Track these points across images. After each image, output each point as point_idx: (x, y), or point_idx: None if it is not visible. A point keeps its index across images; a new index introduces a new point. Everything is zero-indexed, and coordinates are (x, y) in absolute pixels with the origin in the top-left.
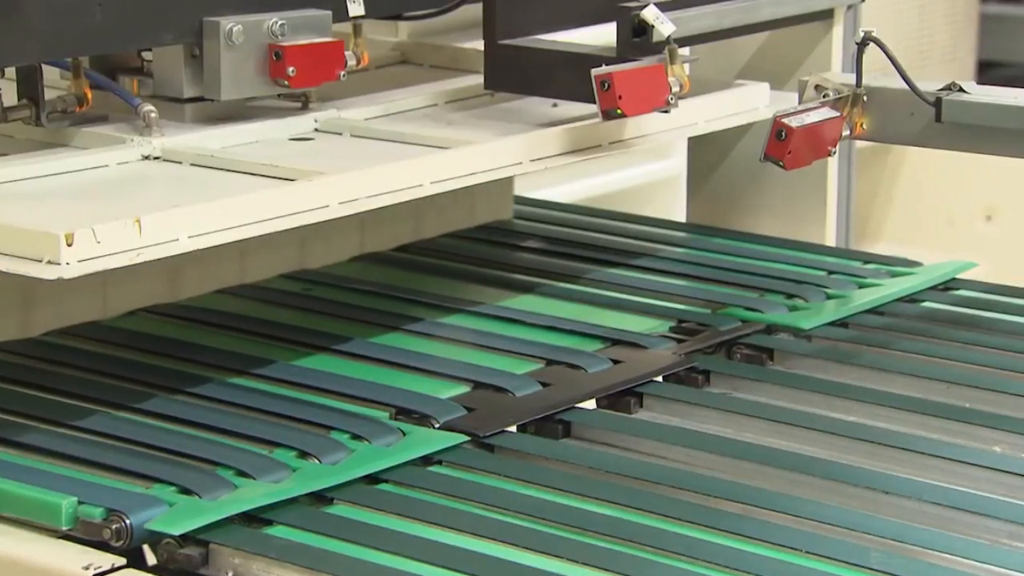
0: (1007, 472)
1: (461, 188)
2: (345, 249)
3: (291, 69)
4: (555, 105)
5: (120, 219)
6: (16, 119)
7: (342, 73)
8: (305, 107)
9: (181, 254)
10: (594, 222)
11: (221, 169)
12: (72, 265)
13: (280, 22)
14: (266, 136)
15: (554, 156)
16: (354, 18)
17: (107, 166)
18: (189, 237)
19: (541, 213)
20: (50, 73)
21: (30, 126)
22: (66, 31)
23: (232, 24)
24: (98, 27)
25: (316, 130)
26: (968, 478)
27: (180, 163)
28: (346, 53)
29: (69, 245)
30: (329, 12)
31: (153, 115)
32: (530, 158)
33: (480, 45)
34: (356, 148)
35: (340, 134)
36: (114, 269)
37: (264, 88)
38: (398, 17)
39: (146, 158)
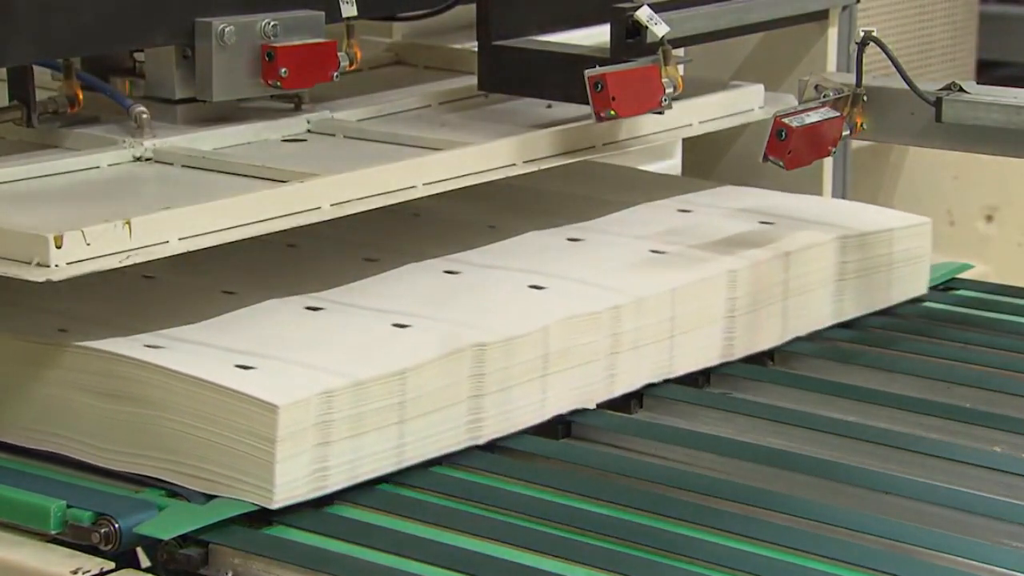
0: (1007, 472)
1: None
2: None
3: (284, 70)
4: (549, 106)
5: (110, 221)
6: (7, 120)
7: (335, 74)
8: (298, 108)
9: None
10: None
11: (212, 171)
12: (61, 268)
13: (272, 23)
14: (258, 137)
15: (548, 157)
16: (347, 19)
17: (98, 167)
18: (180, 239)
19: None
20: (41, 74)
21: (21, 127)
22: (57, 31)
23: (224, 25)
24: (89, 28)
25: (309, 131)
26: (968, 478)
27: (171, 164)
28: (339, 54)
29: (58, 247)
30: (322, 13)
31: (145, 116)
32: (523, 160)
33: (474, 46)
34: (349, 149)
35: (333, 135)
36: None
37: (256, 89)
38: (392, 18)
39: (137, 159)
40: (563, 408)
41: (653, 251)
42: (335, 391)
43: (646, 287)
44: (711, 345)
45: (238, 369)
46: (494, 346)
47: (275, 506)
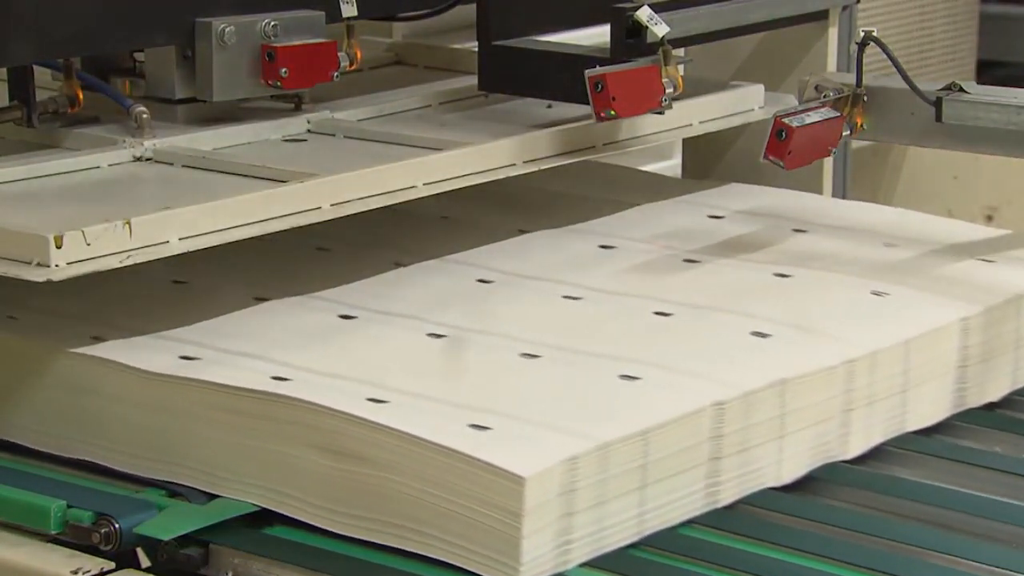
0: (1007, 472)
1: None
2: None
3: (284, 70)
4: (550, 106)
5: (110, 221)
6: (7, 120)
7: (335, 74)
8: (298, 108)
9: None
10: None
11: (213, 171)
12: (61, 268)
13: (273, 23)
14: (258, 137)
15: (548, 157)
16: (347, 19)
17: (98, 167)
18: (180, 239)
19: None
20: (42, 74)
21: (21, 127)
22: (57, 32)
23: (224, 25)
24: (90, 28)
25: (309, 131)
26: (968, 478)
27: (172, 164)
28: (339, 54)
29: (58, 247)
30: (322, 13)
31: (145, 116)
32: (523, 159)
33: (474, 46)
34: (349, 149)
35: (333, 135)
36: None
37: (257, 89)
38: (392, 18)
39: (138, 159)
40: (799, 471)
41: (875, 292)
42: (580, 456)
43: (877, 337)
44: (943, 398)
45: (472, 430)
46: (733, 403)
47: None
